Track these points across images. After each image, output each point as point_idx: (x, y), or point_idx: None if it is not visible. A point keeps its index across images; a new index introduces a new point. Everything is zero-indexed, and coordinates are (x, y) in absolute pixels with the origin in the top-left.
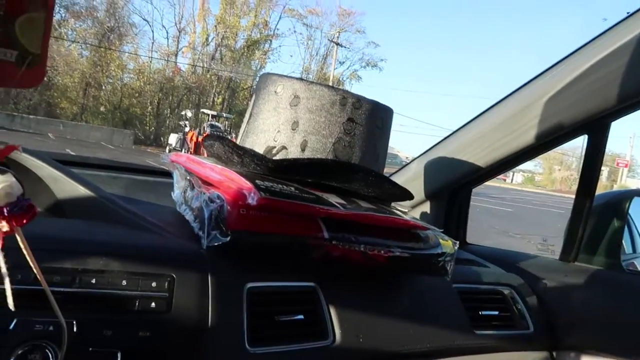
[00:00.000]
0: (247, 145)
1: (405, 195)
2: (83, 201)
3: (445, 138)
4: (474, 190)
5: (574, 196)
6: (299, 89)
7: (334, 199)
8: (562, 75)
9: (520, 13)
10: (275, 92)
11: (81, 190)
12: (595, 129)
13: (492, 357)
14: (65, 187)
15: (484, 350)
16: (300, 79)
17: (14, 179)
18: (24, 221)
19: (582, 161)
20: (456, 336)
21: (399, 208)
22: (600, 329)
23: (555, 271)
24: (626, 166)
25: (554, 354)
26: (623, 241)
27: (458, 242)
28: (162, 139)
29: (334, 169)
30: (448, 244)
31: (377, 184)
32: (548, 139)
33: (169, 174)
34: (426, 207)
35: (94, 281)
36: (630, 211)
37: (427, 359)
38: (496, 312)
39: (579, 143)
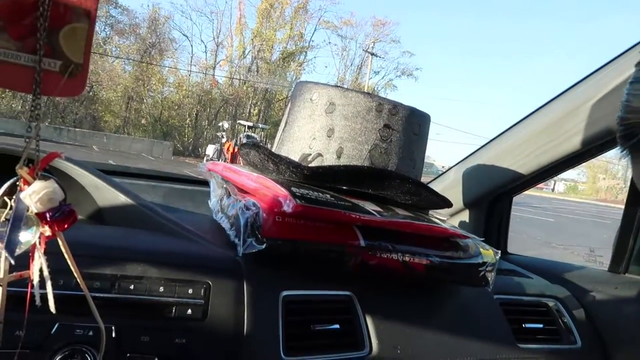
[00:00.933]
0: (283, 153)
1: (444, 202)
2: (123, 209)
3: (484, 145)
4: (515, 199)
5: (620, 205)
6: (335, 96)
7: (370, 207)
8: (609, 78)
9: (565, 13)
10: (311, 99)
11: (121, 198)
12: None
13: None
14: (106, 195)
15: None
16: (336, 86)
17: (56, 185)
18: (66, 226)
19: (629, 166)
20: (499, 349)
21: (438, 216)
22: None
23: (605, 283)
24: None
25: None
26: None
27: (500, 252)
28: (199, 150)
29: (370, 176)
30: (489, 254)
31: (414, 191)
32: (594, 145)
33: (206, 183)
34: (465, 216)
35: (132, 287)
36: None
37: None
38: (541, 325)
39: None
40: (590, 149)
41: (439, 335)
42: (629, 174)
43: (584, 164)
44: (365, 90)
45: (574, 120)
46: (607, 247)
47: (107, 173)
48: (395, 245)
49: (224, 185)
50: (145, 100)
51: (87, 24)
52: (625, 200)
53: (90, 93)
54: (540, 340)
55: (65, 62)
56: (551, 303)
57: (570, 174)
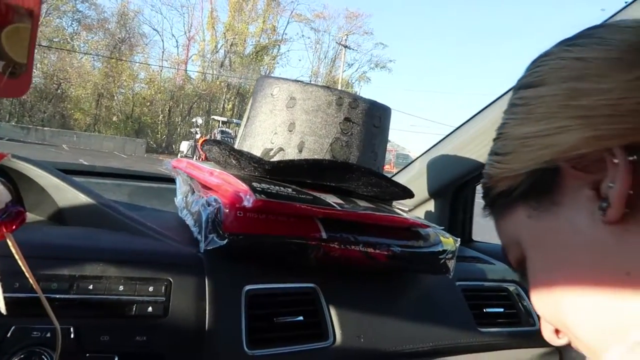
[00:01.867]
0: (245, 148)
1: (406, 193)
2: (84, 208)
3: (448, 135)
4: (479, 187)
5: None
6: (295, 91)
7: (331, 199)
8: None
9: None
10: (272, 94)
11: (82, 198)
12: None
13: (497, 355)
14: (67, 195)
15: (490, 348)
16: (297, 80)
17: (1, 187)
18: (13, 227)
19: None
20: (460, 334)
21: (400, 207)
22: None
23: None
24: None
25: (562, 350)
26: None
27: (459, 239)
28: (174, 146)
29: (331, 169)
30: (449, 242)
31: (375, 183)
32: None
33: (172, 181)
34: (430, 206)
35: (91, 287)
36: None
37: (431, 358)
38: (501, 309)
39: None
40: None
41: (401, 322)
42: None
43: None
44: (340, 84)
45: None
46: None
47: (71, 173)
48: (357, 237)
49: (189, 183)
50: (115, 97)
51: (29, 23)
52: None
53: (59, 91)
54: (500, 324)
55: (7, 62)
56: (512, 287)
57: None
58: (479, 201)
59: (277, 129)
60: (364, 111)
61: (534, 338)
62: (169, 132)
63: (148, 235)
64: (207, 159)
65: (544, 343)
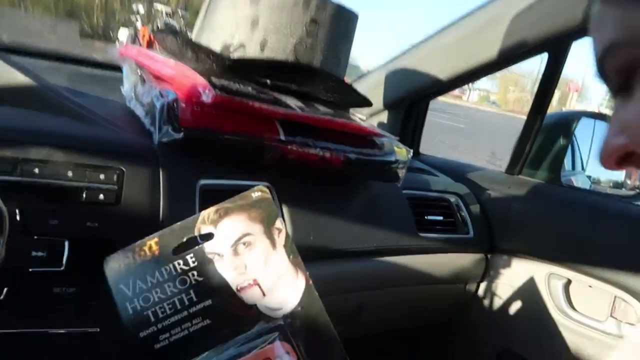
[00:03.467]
0: (203, 41)
1: (365, 102)
2: (22, 90)
3: (409, 49)
4: (431, 105)
5: (524, 117)
6: None
7: (292, 102)
8: None
9: None
10: None
11: (20, 78)
12: (557, 47)
13: (433, 257)
14: (1, 73)
15: (427, 251)
16: None
17: None
18: None
19: (538, 80)
20: (402, 237)
21: (357, 115)
22: (532, 236)
23: (500, 183)
24: (577, 91)
25: (489, 256)
26: (565, 159)
27: (412, 151)
28: (111, 33)
29: (293, 71)
30: (402, 152)
31: (337, 89)
32: (510, 55)
33: (118, 69)
34: (384, 117)
35: (37, 171)
36: (576, 131)
37: (375, 257)
38: (441, 218)
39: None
40: (506, 58)
41: (349, 224)
42: (535, 88)
43: (497, 74)
44: None
45: (493, 30)
46: (507, 153)
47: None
48: (315, 141)
49: (139, 72)
50: None
51: None
52: (528, 112)
53: None
54: (438, 231)
55: None
56: (452, 199)
57: (484, 84)
58: (430, 119)
59: (239, 23)
60: (332, 14)
61: (467, 244)
62: (106, 17)
63: (96, 123)
64: (150, 46)
65: (475, 249)
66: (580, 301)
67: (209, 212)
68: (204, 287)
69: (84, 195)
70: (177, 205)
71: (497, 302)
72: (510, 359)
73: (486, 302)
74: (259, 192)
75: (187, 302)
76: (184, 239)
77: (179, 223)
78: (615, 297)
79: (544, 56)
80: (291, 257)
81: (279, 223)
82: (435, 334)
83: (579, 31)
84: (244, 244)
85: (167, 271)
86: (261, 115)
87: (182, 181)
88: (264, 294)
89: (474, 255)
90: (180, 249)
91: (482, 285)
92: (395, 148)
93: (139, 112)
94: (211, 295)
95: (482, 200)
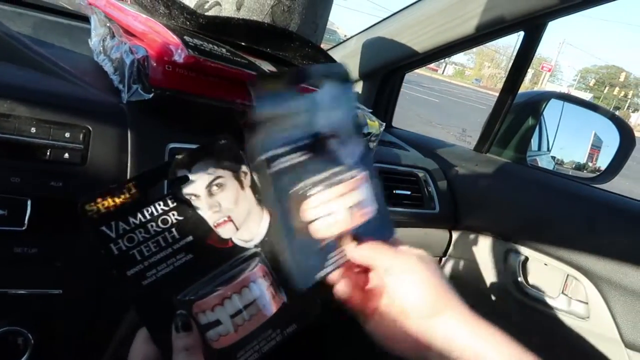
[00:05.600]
0: None
1: None
2: None
3: (387, 18)
4: (406, 77)
5: (497, 94)
6: None
7: (266, 66)
8: None
9: None
10: None
11: None
12: (533, 26)
13: (400, 231)
14: None
15: (394, 225)
16: None
17: None
18: None
19: (512, 58)
20: None
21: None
22: (494, 214)
23: (468, 160)
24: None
25: (452, 232)
26: (532, 139)
27: (384, 124)
28: None
29: (270, 34)
30: (374, 125)
31: (312, 56)
32: (487, 31)
33: (86, 19)
34: (358, 87)
35: None
36: (544, 112)
37: None
38: (409, 192)
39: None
40: (483, 34)
41: None
42: (512, 62)
43: (474, 49)
44: None
45: (471, 5)
46: (478, 129)
47: None
48: None
49: (108, 24)
50: None
51: None
52: (500, 89)
53: None
54: (406, 205)
55: None
56: (421, 174)
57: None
58: (404, 91)
59: None
60: None
61: (433, 220)
62: None
63: (62, 76)
64: None
65: (439, 225)
66: (536, 278)
67: (183, 157)
68: (185, 225)
69: (49, 153)
70: (146, 167)
71: (458, 277)
72: None
73: (447, 276)
74: (224, 139)
75: (170, 240)
76: (163, 181)
77: (153, 167)
78: (567, 275)
79: (520, 34)
80: (256, 195)
81: (244, 167)
82: None
83: (556, 11)
84: (217, 185)
85: (149, 212)
86: (234, 78)
87: (151, 143)
88: (237, 228)
89: (438, 230)
90: (157, 192)
91: (444, 260)
92: (368, 121)
93: (107, 67)
94: (192, 232)
95: (449, 177)
